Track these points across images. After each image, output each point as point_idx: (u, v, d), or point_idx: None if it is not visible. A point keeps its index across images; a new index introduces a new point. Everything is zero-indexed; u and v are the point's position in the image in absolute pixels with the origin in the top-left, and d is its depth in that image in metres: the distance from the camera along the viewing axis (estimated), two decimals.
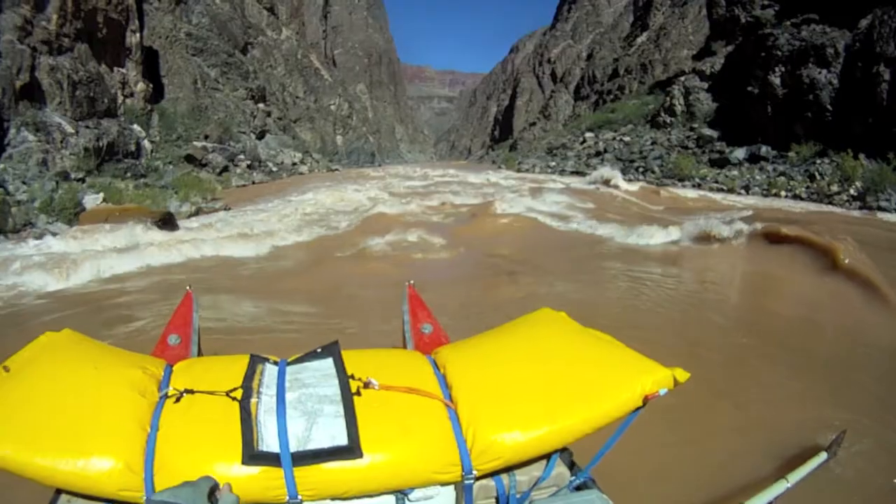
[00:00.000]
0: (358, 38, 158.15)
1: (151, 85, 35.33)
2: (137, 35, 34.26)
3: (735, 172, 24.63)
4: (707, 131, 30.16)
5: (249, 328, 6.46)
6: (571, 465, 2.00)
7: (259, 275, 9.80)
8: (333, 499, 1.70)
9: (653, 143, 34.06)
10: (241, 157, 40.54)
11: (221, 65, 52.54)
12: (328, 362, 1.96)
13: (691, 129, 32.80)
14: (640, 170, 30.11)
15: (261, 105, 55.68)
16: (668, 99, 36.73)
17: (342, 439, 1.65)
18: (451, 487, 1.81)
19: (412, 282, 3.54)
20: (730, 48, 35.44)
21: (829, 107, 23.71)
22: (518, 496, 1.88)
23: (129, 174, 26.30)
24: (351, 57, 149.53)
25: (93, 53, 28.41)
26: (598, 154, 37.73)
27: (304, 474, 1.61)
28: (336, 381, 1.85)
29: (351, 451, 1.63)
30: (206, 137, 39.09)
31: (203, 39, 51.35)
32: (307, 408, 1.74)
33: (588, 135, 44.55)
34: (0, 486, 2.29)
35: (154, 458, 1.61)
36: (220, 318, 6.74)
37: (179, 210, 16.37)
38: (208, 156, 35.18)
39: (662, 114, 36.94)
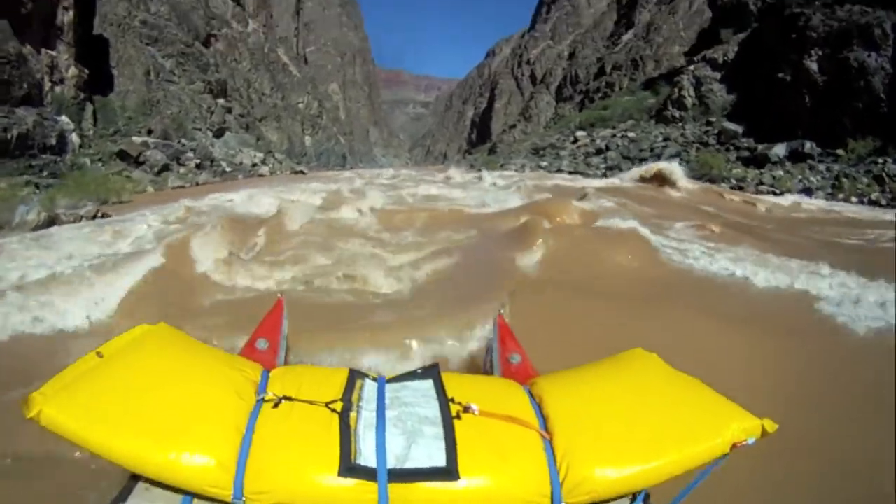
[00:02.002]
0: (331, 35, 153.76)
1: (87, 71, 30.42)
2: (71, 13, 29.63)
3: (780, 172, 20.68)
4: (730, 125, 26.22)
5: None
6: None
7: None
8: None
9: (664, 140, 30.13)
10: (190, 155, 35.91)
11: (178, 55, 47.88)
12: (428, 384, 1.96)
13: (708, 122, 29.06)
14: None
15: (220, 100, 50.92)
16: (675, 91, 32.92)
17: (440, 461, 1.64)
18: None
19: (502, 311, 3.63)
20: (742, 35, 31.81)
21: (882, 95, 19.81)
22: None
23: (44, 172, 22.32)
24: (323, 55, 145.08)
25: (14, 31, 24.21)
26: (598, 152, 33.69)
27: (398, 491, 1.60)
28: (436, 403, 1.85)
29: (449, 473, 1.62)
30: (150, 132, 34.53)
31: (159, 28, 46.84)
32: (407, 427, 1.74)
33: (580, 133, 40.99)
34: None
35: (247, 459, 1.62)
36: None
37: (25, 218, 11.33)
38: (147, 153, 30.54)
39: (670, 107, 33.15)
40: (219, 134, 47.64)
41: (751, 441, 1.73)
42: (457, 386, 1.95)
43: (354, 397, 1.82)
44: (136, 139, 31.62)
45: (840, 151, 20.12)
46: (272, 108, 71.03)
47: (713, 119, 28.80)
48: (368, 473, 1.59)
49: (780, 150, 21.49)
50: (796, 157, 21.04)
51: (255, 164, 46.95)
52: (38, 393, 1.58)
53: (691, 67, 32.86)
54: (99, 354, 1.79)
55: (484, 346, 3.57)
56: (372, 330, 5.47)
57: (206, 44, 56.33)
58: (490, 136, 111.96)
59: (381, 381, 1.97)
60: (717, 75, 31.41)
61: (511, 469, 1.69)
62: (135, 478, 1.68)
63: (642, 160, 28.10)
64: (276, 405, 1.76)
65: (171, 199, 18.51)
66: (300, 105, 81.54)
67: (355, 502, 1.59)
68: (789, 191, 18.79)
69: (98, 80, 33.13)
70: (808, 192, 18.46)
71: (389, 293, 6.99)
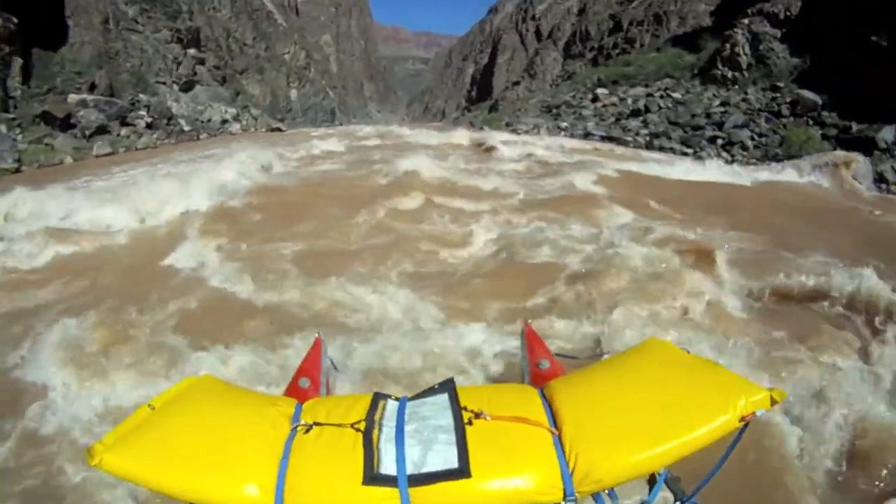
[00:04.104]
0: None
1: (15, 20, 24.80)
2: None
3: None
4: (808, 94, 20.60)
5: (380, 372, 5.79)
6: (677, 490, 2.04)
7: None
8: None
9: (722, 105, 24.52)
10: (142, 113, 30.70)
11: (142, 1, 42.08)
12: (444, 397, 2.09)
13: (773, 88, 23.50)
14: (721, 144, 20.67)
15: (191, 51, 45.25)
16: (727, 48, 27.28)
17: (453, 463, 1.77)
18: None
19: (530, 321, 3.94)
20: None
21: None
22: None
23: None
24: (316, 6, 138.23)
25: None
26: (635, 114, 28.14)
27: (418, 494, 1.73)
28: (450, 413, 1.98)
29: (461, 472, 1.74)
30: (93, 88, 29.10)
31: None
32: (423, 437, 1.88)
33: (600, 91, 35.55)
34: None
35: (285, 481, 1.78)
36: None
37: None
38: (80, 113, 25.29)
39: (720, 66, 27.53)
40: (187, 88, 42.27)
41: (760, 412, 1.76)
42: (471, 396, 2.07)
43: (377, 416, 1.97)
44: (74, 97, 26.45)
45: None
46: (254, 59, 65.43)
47: (780, 84, 23.37)
48: (390, 480, 1.73)
49: (888, 133, 16.18)
50: None
51: (225, 121, 41.86)
52: (98, 443, 1.76)
53: (745, 21, 27.23)
54: (151, 406, 1.98)
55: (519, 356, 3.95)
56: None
57: None
58: (491, 93, 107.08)
59: (403, 401, 2.11)
60: (777, 32, 25.95)
61: (521, 465, 1.79)
62: None
63: (697, 128, 22.89)
64: (307, 431, 1.93)
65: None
66: (286, 56, 75.51)
67: None
68: None
69: (38, 31, 27.70)
70: None
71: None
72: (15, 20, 24.82)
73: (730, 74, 26.98)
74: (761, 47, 25.51)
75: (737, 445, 1.86)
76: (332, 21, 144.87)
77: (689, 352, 2.19)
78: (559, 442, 1.85)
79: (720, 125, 22.02)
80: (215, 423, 1.96)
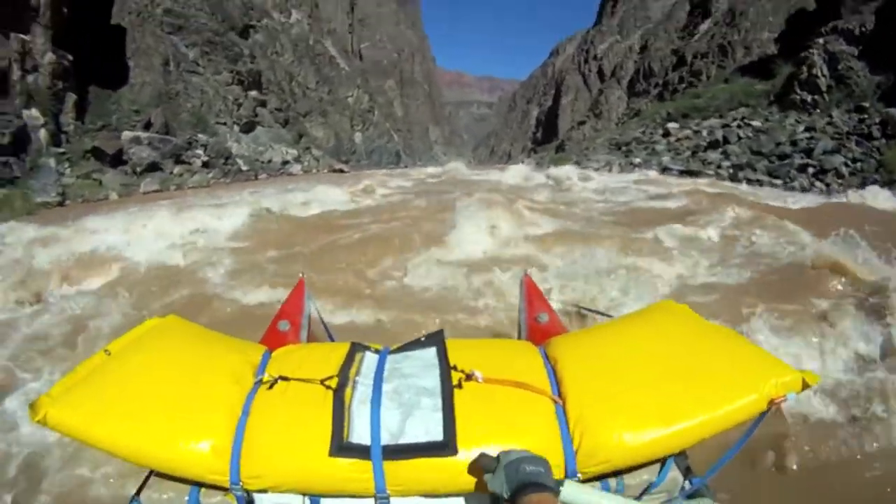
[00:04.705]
0: (387, 31, 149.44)
1: (70, 57, 25.37)
2: None
3: None
4: None
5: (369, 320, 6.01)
6: (686, 470, 1.75)
7: None
8: (423, 496, 1.61)
9: (808, 130, 22.63)
10: (198, 152, 30.94)
11: (203, 44, 43.08)
12: (431, 352, 1.86)
13: (858, 109, 21.69)
14: (813, 172, 18.74)
15: (253, 93, 46.00)
16: (804, 70, 25.57)
17: (437, 434, 1.56)
18: None
19: (529, 271, 3.56)
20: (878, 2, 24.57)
21: None
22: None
23: None
24: (379, 51, 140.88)
25: None
26: (713, 145, 26.45)
27: (394, 469, 1.54)
28: (437, 372, 1.75)
29: (445, 446, 1.54)
30: (148, 126, 29.40)
31: (185, 17, 42.19)
32: (403, 399, 1.66)
33: (671, 125, 34.51)
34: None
35: (242, 443, 1.59)
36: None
37: None
38: (132, 150, 25.41)
39: (798, 90, 25.79)
40: (247, 129, 42.80)
41: (791, 396, 1.59)
42: (463, 352, 1.84)
43: (352, 372, 1.75)
44: (128, 134, 26.59)
45: None
46: (317, 102, 66.46)
47: (865, 104, 21.58)
48: (362, 452, 1.53)
49: None
50: None
51: (286, 162, 42.27)
52: (45, 396, 1.58)
53: (820, 41, 25.57)
54: (107, 352, 1.78)
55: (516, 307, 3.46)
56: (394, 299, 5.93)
57: (244, 35, 51.58)
58: (557, 134, 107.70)
59: (384, 354, 1.90)
60: (854, 50, 24.27)
61: (516, 439, 1.58)
62: (151, 472, 1.67)
63: (783, 157, 21.04)
64: (270, 386, 1.71)
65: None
66: (349, 99, 76.69)
67: (350, 482, 1.54)
68: None
69: (96, 71, 28.45)
70: None
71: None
72: (70, 57, 25.39)
73: (809, 98, 25.33)
74: (840, 67, 23.83)
75: (756, 428, 1.65)
76: (395, 66, 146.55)
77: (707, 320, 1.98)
78: (563, 413, 1.64)
79: (808, 152, 20.17)
80: (172, 374, 1.75)
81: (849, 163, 18.05)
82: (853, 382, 4.33)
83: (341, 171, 48.27)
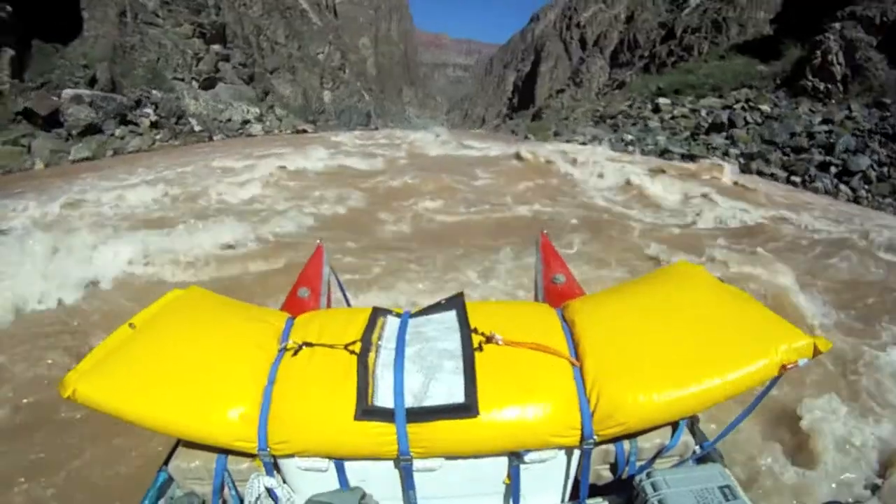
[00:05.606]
0: None
1: (9, 8, 22.54)
2: None
3: None
4: None
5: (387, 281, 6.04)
6: (696, 434, 1.86)
7: None
8: (446, 457, 1.65)
9: (826, 123, 19.92)
10: (147, 111, 28.07)
11: None
12: (451, 315, 1.90)
13: (879, 104, 19.55)
14: (835, 173, 15.86)
15: (216, 47, 42.79)
16: (818, 55, 23.41)
17: (459, 396, 1.59)
18: (569, 451, 1.73)
19: (546, 231, 3.53)
20: None
21: None
22: (638, 464, 1.77)
23: None
24: (355, 7, 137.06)
25: None
26: (716, 128, 23.98)
27: (417, 431, 1.57)
28: (458, 335, 1.79)
29: (467, 408, 1.56)
30: (94, 83, 26.46)
31: None
32: (426, 362, 1.69)
33: (662, 101, 32.71)
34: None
35: (269, 410, 1.61)
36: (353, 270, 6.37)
37: None
38: (70, 110, 22.53)
39: (810, 76, 23.66)
40: (208, 85, 39.82)
41: (802, 362, 1.62)
42: (483, 315, 1.88)
43: (374, 336, 1.79)
44: (68, 92, 23.71)
45: None
46: (286, 58, 63.38)
47: (885, 100, 19.43)
48: (386, 415, 1.55)
49: None
50: None
51: (246, 122, 39.68)
52: (73, 371, 1.59)
53: (837, 25, 23.38)
54: (131, 325, 1.81)
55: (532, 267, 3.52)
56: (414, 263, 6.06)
57: None
58: (534, 101, 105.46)
59: (405, 317, 1.94)
60: (873, 40, 22.16)
61: (536, 400, 1.61)
62: (179, 441, 1.71)
63: (799, 150, 18.33)
64: (295, 353, 1.75)
65: None
66: (319, 56, 73.36)
67: (375, 445, 1.56)
68: None
69: (44, 23, 25.83)
70: None
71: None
72: (8, 8, 22.35)
73: (822, 86, 23.25)
74: (857, 56, 21.78)
75: (767, 393, 1.68)
76: (371, 24, 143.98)
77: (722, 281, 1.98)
78: (580, 375, 1.66)
79: (828, 148, 17.46)
80: (198, 344, 1.77)
81: (875, 166, 15.32)
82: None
83: (305, 131, 45.65)
